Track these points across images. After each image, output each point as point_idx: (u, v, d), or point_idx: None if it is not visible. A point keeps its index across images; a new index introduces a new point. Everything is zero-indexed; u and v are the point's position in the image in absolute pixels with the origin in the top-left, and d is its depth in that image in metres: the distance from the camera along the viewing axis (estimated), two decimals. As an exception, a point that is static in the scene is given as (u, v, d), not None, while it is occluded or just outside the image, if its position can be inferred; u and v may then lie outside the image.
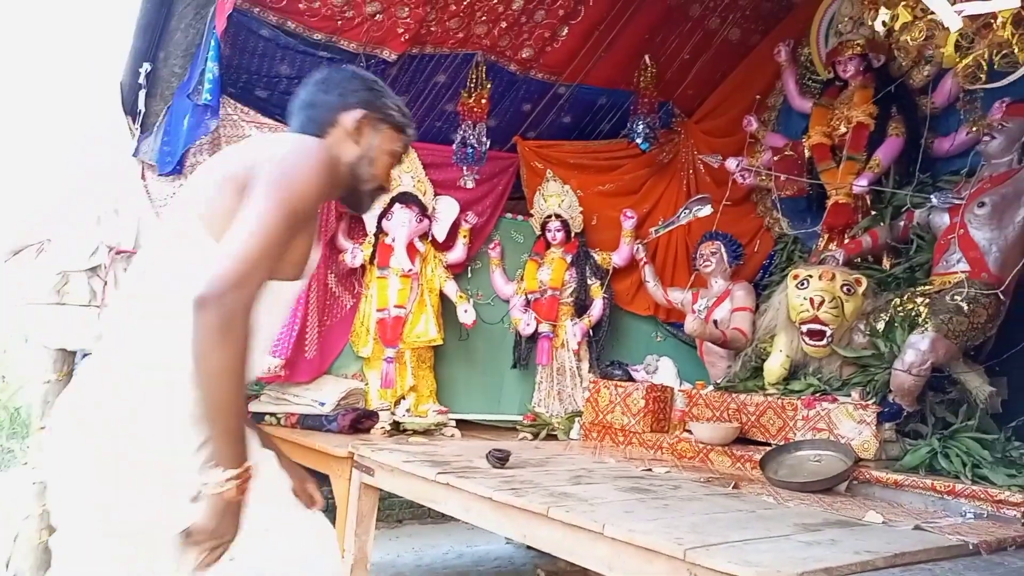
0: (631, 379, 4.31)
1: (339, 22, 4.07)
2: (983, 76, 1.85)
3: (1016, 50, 1.65)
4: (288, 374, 4.25)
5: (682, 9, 4.70)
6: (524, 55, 4.55)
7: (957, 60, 1.81)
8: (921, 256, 3.80)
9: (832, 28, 4.40)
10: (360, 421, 4.23)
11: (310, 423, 4.17)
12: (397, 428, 4.31)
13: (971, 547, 2.34)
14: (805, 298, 3.57)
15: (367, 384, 4.56)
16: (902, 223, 3.91)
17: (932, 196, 3.65)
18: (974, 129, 3.81)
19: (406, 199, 4.59)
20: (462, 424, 4.56)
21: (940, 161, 4.03)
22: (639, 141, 4.76)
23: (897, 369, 3.32)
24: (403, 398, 4.54)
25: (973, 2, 1.67)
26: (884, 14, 2.73)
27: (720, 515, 2.51)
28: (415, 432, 4.31)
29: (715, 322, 4.15)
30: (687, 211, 4.24)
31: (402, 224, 4.55)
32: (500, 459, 3.14)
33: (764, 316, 3.96)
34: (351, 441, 3.75)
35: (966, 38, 1.72)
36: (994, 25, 1.64)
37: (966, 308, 3.28)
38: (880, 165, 3.96)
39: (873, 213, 4.05)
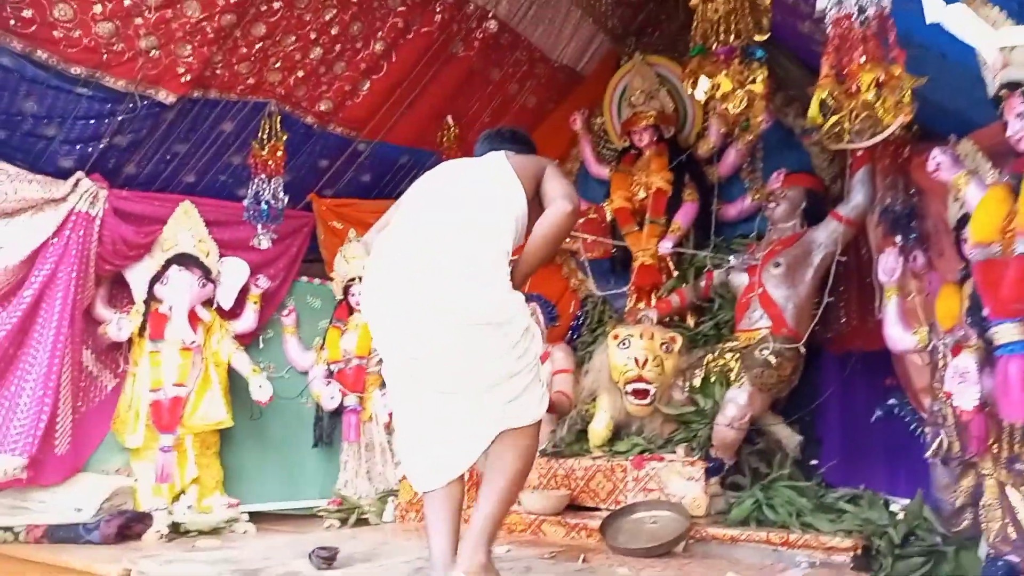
0: (450, 452, 4.03)
1: (105, 55, 3.45)
2: (847, 136, 1.95)
3: (880, 112, 1.75)
4: (32, 475, 3.41)
5: (483, 73, 4.69)
6: (322, 108, 4.23)
7: (820, 120, 1.89)
8: (724, 314, 4.02)
9: (625, 99, 4.64)
10: (129, 526, 3.53)
11: (62, 535, 3.37)
12: (177, 530, 3.66)
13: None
14: (629, 357, 3.58)
15: (136, 480, 3.81)
16: (703, 283, 4.12)
17: (731, 257, 3.89)
18: (756, 197, 4.16)
19: (185, 261, 4.00)
20: (255, 517, 3.98)
21: (728, 225, 4.34)
22: (444, 202, 4.60)
23: (720, 424, 3.41)
24: (183, 493, 3.85)
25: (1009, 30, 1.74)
26: (705, 83, 2.86)
27: (594, 598, 2.31)
28: (200, 533, 3.68)
29: (536, 386, 4.04)
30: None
31: (182, 290, 3.94)
32: (327, 559, 2.69)
33: (586, 377, 3.92)
34: (123, 553, 3.05)
35: (831, 102, 1.81)
36: (857, 88, 1.73)
37: (774, 362, 3.47)
38: (681, 228, 4.17)
39: (676, 274, 4.23)
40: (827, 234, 3.67)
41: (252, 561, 2.87)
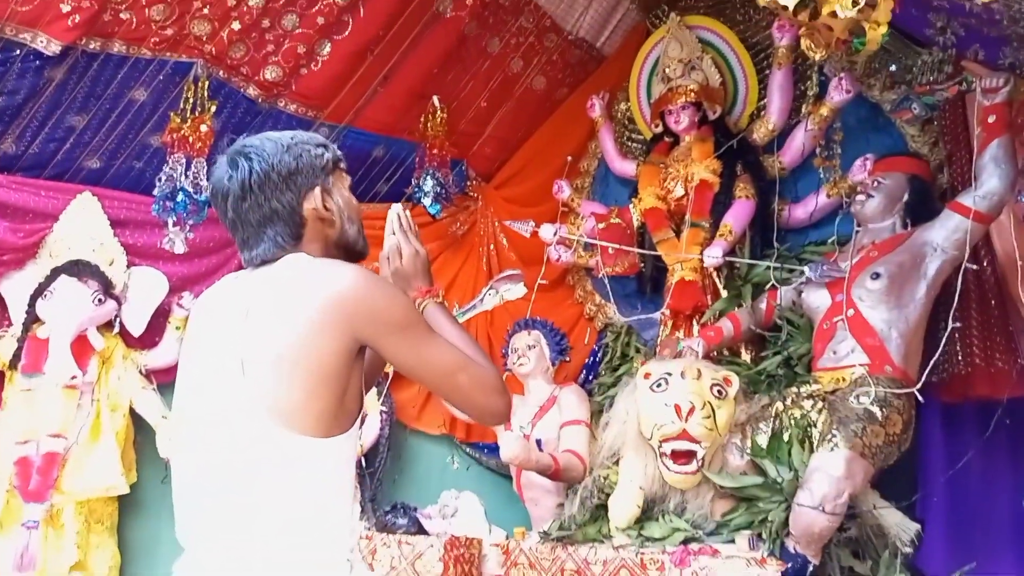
0: (422, 530, 2.99)
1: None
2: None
3: None
4: None
5: (478, 42, 3.74)
6: (268, 76, 3.28)
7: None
8: (795, 345, 2.97)
9: (657, 74, 3.66)
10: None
11: None
12: (40, 640, 2.63)
13: None
14: (668, 405, 2.53)
15: (-9, 566, 2.80)
16: (764, 305, 3.09)
17: (806, 268, 2.86)
18: (834, 191, 3.16)
19: (78, 270, 3.04)
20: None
21: (794, 232, 3.33)
22: (427, 203, 3.65)
23: (804, 505, 2.34)
24: (57, 585, 2.83)
25: None
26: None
27: None
28: (71, 645, 2.65)
29: (539, 442, 2.99)
30: (492, 292, 3.10)
31: (68, 307, 2.98)
32: None
33: (606, 432, 2.87)
34: None
35: None
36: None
37: (879, 414, 2.41)
38: (733, 232, 3.14)
39: (725, 293, 3.20)
40: (946, 234, 2.64)
41: None
